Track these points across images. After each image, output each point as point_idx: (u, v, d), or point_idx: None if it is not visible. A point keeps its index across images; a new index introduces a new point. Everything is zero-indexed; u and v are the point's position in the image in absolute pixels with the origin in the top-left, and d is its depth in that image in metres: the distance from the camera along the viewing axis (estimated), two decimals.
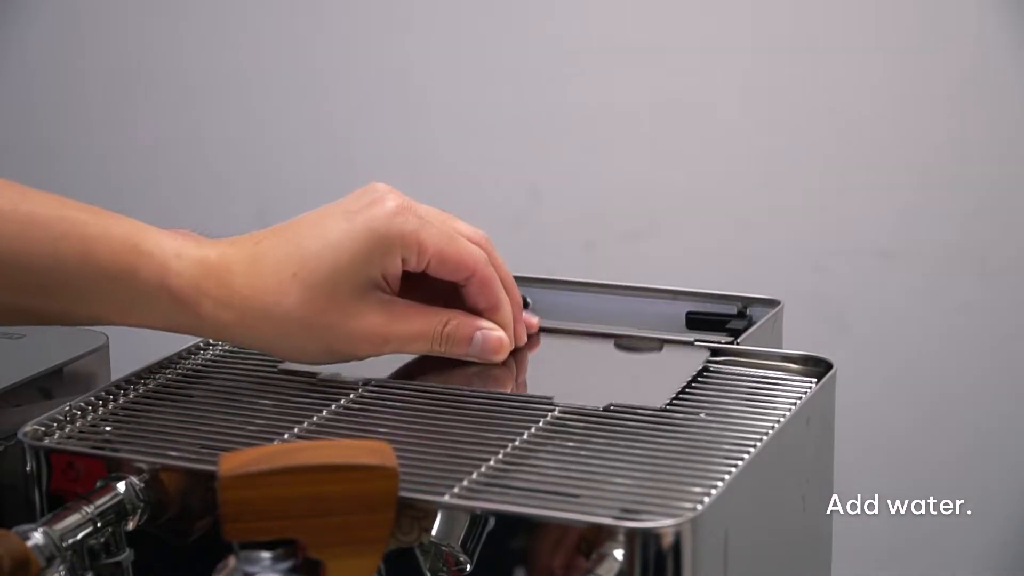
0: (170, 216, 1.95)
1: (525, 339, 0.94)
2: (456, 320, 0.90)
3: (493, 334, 0.91)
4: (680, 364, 0.91)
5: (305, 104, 1.89)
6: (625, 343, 0.94)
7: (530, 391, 0.88)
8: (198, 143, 1.94)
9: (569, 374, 0.93)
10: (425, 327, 0.89)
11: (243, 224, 1.92)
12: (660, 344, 0.94)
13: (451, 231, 0.90)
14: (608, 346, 0.95)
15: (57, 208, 0.86)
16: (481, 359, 0.91)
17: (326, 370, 0.91)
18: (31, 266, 0.84)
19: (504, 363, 0.92)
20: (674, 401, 0.86)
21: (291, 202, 1.79)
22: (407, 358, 0.93)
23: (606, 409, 0.85)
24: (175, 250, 0.86)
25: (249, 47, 1.91)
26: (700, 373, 0.90)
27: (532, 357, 0.94)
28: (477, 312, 0.91)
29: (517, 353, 0.93)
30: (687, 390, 0.88)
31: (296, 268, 0.86)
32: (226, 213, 1.91)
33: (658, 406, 0.85)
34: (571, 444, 0.82)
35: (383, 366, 0.92)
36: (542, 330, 0.97)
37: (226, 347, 0.96)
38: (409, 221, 0.87)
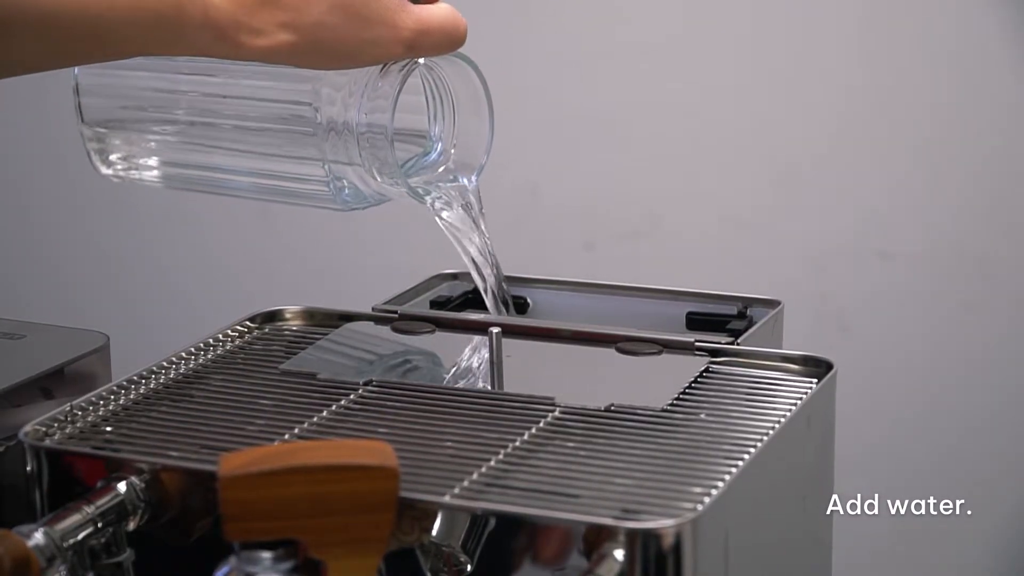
0: (172, 209, 1.96)
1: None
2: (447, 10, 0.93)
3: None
4: (681, 366, 0.91)
5: None
6: (626, 347, 0.94)
7: (531, 392, 0.88)
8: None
9: (570, 375, 0.93)
10: (445, 9, 0.91)
11: (244, 219, 1.92)
12: (660, 348, 0.94)
13: None
14: (609, 348, 0.95)
15: None
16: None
17: (326, 370, 0.91)
18: (85, 13, 0.87)
19: (504, 365, 0.92)
20: (674, 402, 0.86)
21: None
22: (407, 357, 0.93)
23: (607, 410, 0.85)
24: None
25: None
26: (701, 374, 0.90)
27: (533, 358, 0.94)
28: None
29: (516, 356, 0.93)
30: (687, 391, 0.88)
31: None
32: (228, 212, 1.91)
33: (659, 407, 0.85)
34: (571, 444, 0.82)
35: (383, 366, 0.92)
36: (543, 331, 0.97)
37: (226, 347, 0.96)
38: None
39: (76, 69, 1.01)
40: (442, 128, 0.96)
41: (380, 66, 0.91)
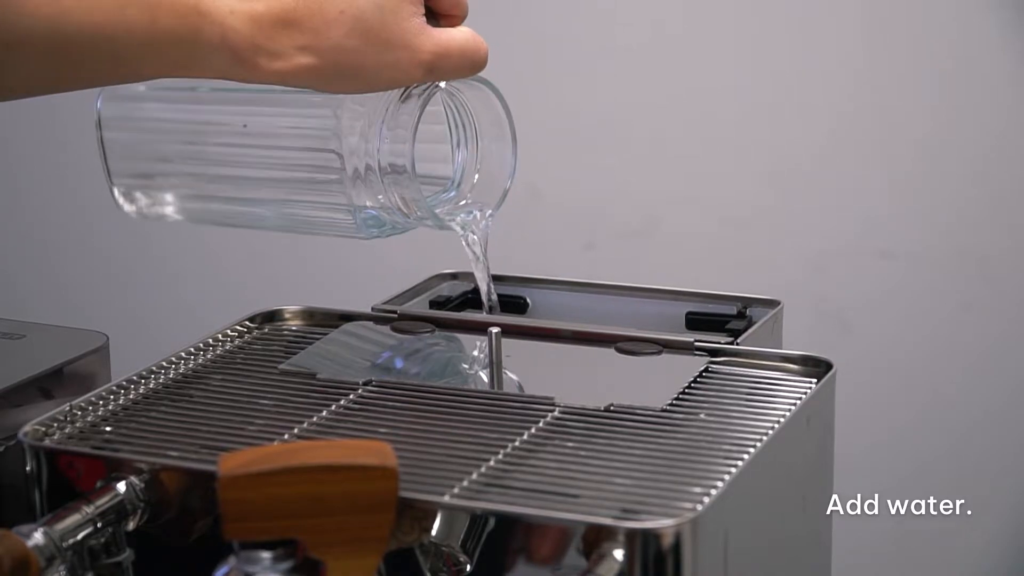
0: None
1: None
2: (468, 34, 0.93)
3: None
4: (680, 366, 0.91)
5: None
6: (626, 347, 0.94)
7: (531, 392, 0.88)
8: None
9: (569, 375, 0.93)
10: (464, 34, 0.91)
11: None
12: (660, 348, 0.94)
13: None
14: (608, 348, 0.95)
15: None
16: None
17: (326, 370, 0.91)
18: (101, 36, 0.87)
19: (504, 366, 0.92)
20: (674, 402, 0.86)
21: None
22: (407, 356, 0.93)
23: (606, 409, 0.85)
24: (228, 6, 0.88)
25: None
26: (700, 374, 0.90)
27: (533, 358, 0.94)
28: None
29: (516, 356, 0.93)
30: (687, 391, 0.88)
31: (343, 6, 0.88)
32: None
33: (658, 407, 0.85)
34: (571, 444, 0.82)
35: (383, 366, 0.92)
36: (544, 331, 0.97)
37: (226, 347, 0.96)
38: None
39: (98, 103, 1.00)
40: (465, 156, 0.96)
41: (400, 91, 0.91)
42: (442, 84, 0.91)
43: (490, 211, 0.95)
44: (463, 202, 0.96)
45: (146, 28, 0.87)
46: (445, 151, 0.96)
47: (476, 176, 0.96)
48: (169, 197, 1.00)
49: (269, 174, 0.95)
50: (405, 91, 0.90)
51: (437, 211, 0.93)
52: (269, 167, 0.96)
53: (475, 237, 0.95)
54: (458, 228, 0.94)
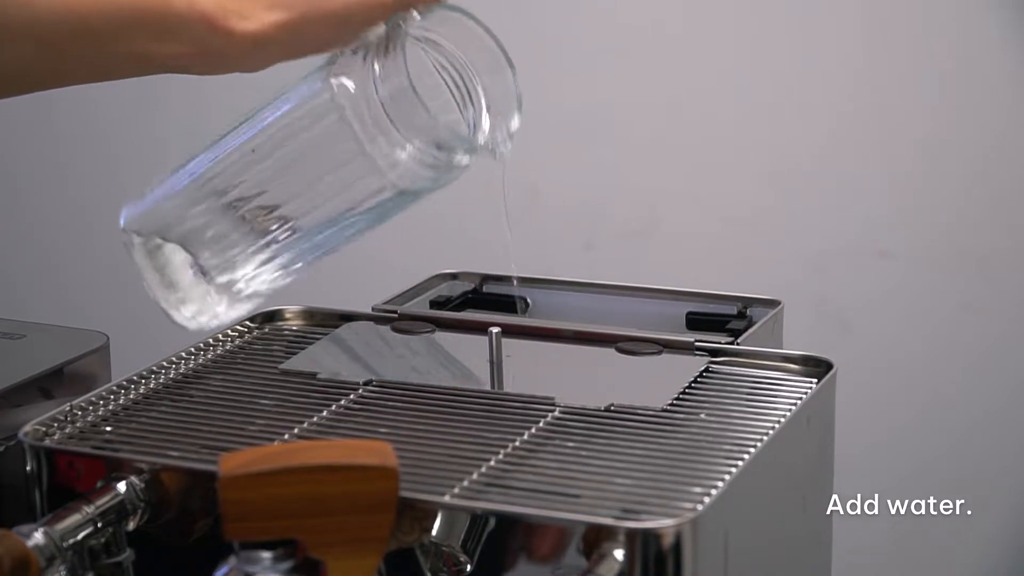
0: None
1: None
2: None
3: None
4: (681, 366, 0.91)
5: None
6: (626, 346, 0.94)
7: (531, 392, 0.88)
8: (200, 136, 1.94)
9: (570, 375, 0.93)
10: None
11: None
12: (660, 348, 0.94)
13: None
14: (609, 348, 0.95)
15: None
16: None
17: (326, 370, 0.91)
18: (74, 15, 0.86)
19: (505, 366, 0.92)
20: (674, 402, 0.86)
21: None
22: (407, 357, 0.93)
23: (607, 409, 0.85)
24: None
25: None
26: (701, 375, 0.90)
27: (533, 358, 0.94)
28: None
29: (516, 357, 0.93)
30: (687, 391, 0.88)
31: None
32: None
33: (659, 407, 0.85)
34: (572, 444, 0.82)
35: (383, 366, 0.92)
36: (544, 331, 0.97)
37: (226, 347, 0.96)
38: None
39: (122, 220, 0.95)
40: (474, 113, 0.94)
41: (376, 47, 0.89)
42: (415, 21, 0.88)
43: (514, 119, 0.94)
44: (485, 129, 0.94)
45: (116, 3, 0.87)
46: (446, 100, 0.94)
47: (486, 118, 0.94)
48: (238, 274, 0.91)
49: (300, 186, 0.91)
50: (380, 44, 0.88)
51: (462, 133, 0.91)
52: (296, 177, 0.91)
53: (506, 149, 0.94)
54: (488, 145, 0.92)
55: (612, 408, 0.85)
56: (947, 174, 1.68)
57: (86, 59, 0.90)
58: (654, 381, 0.90)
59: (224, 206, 0.90)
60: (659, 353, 0.93)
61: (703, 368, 0.91)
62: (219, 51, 0.89)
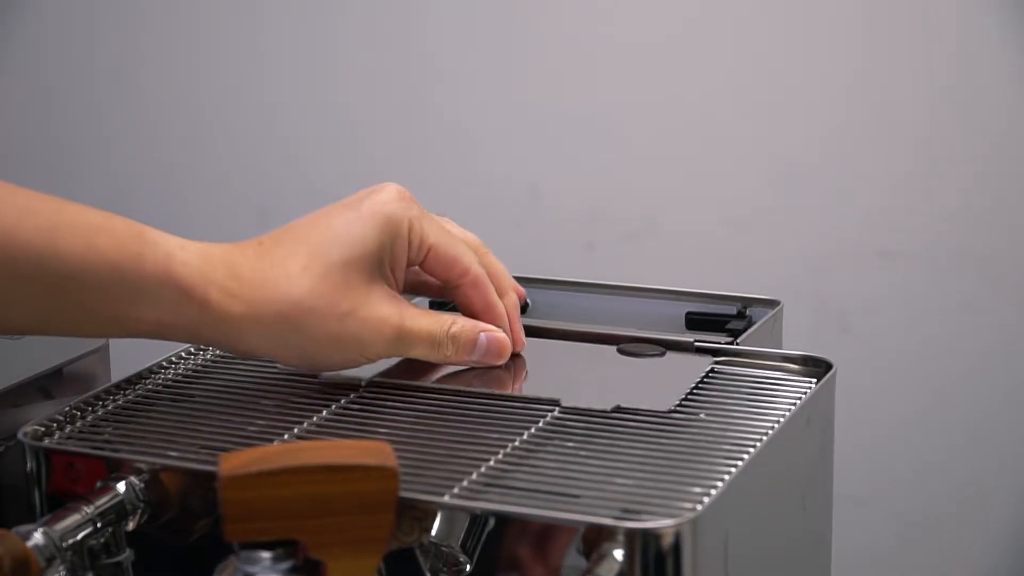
0: (172, 216, 1.96)
1: (523, 342, 0.93)
2: (461, 321, 0.89)
3: (496, 335, 0.90)
4: (684, 367, 0.91)
5: (306, 105, 1.89)
6: (628, 348, 0.94)
7: (532, 392, 0.88)
8: (199, 144, 1.94)
9: (573, 377, 0.93)
10: (433, 325, 0.88)
11: (244, 225, 1.92)
12: (663, 350, 0.94)
13: (448, 229, 0.90)
14: (611, 349, 0.94)
15: (54, 202, 0.83)
16: (484, 363, 0.90)
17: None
18: (28, 258, 0.80)
19: (506, 366, 0.92)
20: (680, 403, 0.86)
21: (292, 202, 1.79)
22: (407, 358, 0.93)
23: (613, 411, 0.85)
24: (178, 242, 0.84)
25: (250, 49, 1.91)
26: (705, 376, 0.90)
27: (534, 360, 0.94)
28: (472, 315, 0.91)
29: (517, 357, 0.93)
30: (690, 392, 0.88)
31: (306, 261, 0.84)
32: (227, 214, 1.91)
33: (664, 409, 0.85)
34: (571, 444, 0.82)
35: (383, 366, 0.92)
36: (544, 331, 0.97)
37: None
38: (411, 208, 0.87)
39: None
40: None
41: None
42: None
43: None
44: None
45: (81, 253, 0.81)
46: None
47: None
48: None
49: None
50: None
51: None
52: None
53: None
54: None
55: (618, 410, 0.85)
56: (947, 174, 1.68)
57: (67, 311, 0.84)
58: (658, 383, 0.90)
59: None
60: (662, 355, 0.93)
61: (708, 369, 0.91)
62: (192, 325, 0.83)
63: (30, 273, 0.81)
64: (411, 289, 0.93)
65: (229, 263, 0.84)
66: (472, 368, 0.91)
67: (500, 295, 0.91)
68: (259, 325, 0.84)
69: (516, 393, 0.89)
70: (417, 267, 0.90)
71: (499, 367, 0.91)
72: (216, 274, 0.83)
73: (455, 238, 0.89)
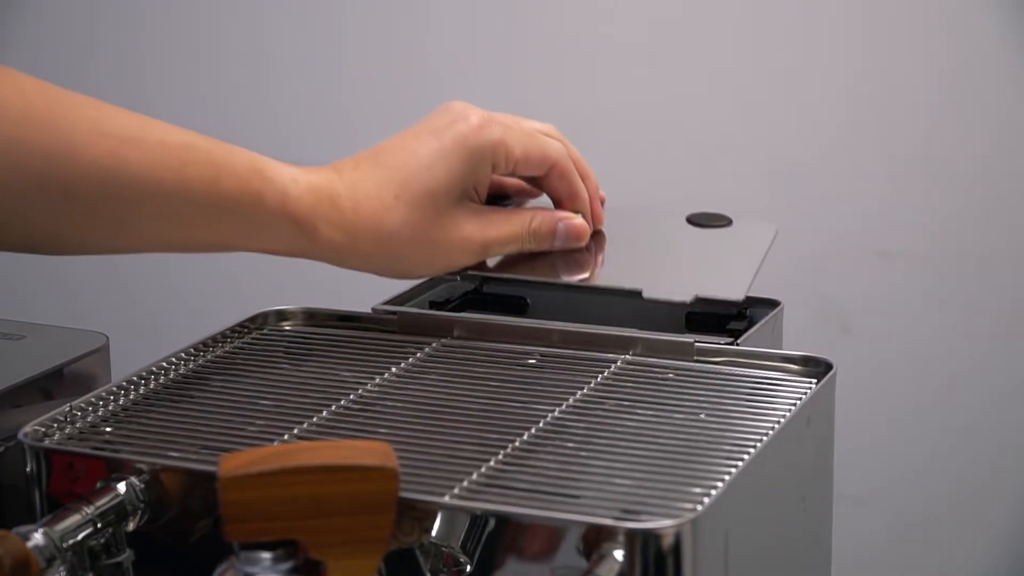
0: None
1: (603, 219, 1.01)
2: (540, 215, 0.97)
3: (574, 222, 0.98)
4: (749, 243, 0.98)
5: (306, 105, 1.89)
6: (696, 219, 1.00)
7: (615, 281, 0.95)
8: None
9: (650, 263, 0.99)
10: (515, 228, 0.96)
11: None
12: (730, 220, 1.01)
13: (530, 130, 0.97)
14: (680, 219, 1.02)
15: (183, 135, 0.90)
16: (566, 247, 0.98)
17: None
18: (159, 192, 0.87)
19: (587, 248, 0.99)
20: (675, 401, 0.86)
21: None
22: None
23: (693, 302, 0.93)
24: (291, 176, 0.91)
25: (250, 49, 1.91)
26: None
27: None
28: (557, 201, 0.99)
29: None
30: (687, 391, 0.88)
31: (397, 190, 0.92)
32: None
33: (739, 298, 0.92)
34: (571, 445, 0.82)
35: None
36: (544, 331, 0.97)
37: (226, 347, 0.96)
38: (494, 131, 0.94)
39: None
40: None
41: None
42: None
43: None
44: None
45: (207, 189, 0.87)
46: None
47: None
48: None
49: None
50: None
51: None
52: None
53: None
54: None
55: (696, 300, 0.94)
56: (947, 174, 1.68)
57: (167, 238, 0.91)
58: (730, 264, 0.98)
59: None
60: (729, 224, 1.02)
61: (773, 237, 1.01)
62: (300, 251, 0.92)
63: (160, 208, 0.87)
64: (494, 191, 1.00)
65: (332, 195, 0.92)
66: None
67: (583, 179, 0.99)
68: (359, 251, 0.93)
69: (515, 393, 0.88)
70: None
71: (580, 249, 0.99)
72: (323, 207, 0.91)
73: (538, 137, 0.97)
